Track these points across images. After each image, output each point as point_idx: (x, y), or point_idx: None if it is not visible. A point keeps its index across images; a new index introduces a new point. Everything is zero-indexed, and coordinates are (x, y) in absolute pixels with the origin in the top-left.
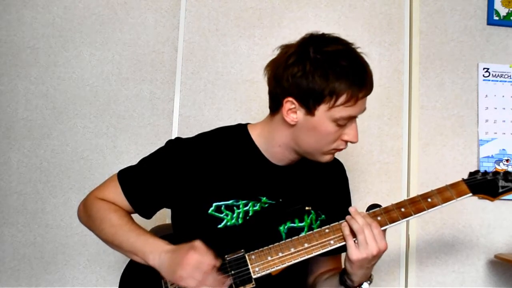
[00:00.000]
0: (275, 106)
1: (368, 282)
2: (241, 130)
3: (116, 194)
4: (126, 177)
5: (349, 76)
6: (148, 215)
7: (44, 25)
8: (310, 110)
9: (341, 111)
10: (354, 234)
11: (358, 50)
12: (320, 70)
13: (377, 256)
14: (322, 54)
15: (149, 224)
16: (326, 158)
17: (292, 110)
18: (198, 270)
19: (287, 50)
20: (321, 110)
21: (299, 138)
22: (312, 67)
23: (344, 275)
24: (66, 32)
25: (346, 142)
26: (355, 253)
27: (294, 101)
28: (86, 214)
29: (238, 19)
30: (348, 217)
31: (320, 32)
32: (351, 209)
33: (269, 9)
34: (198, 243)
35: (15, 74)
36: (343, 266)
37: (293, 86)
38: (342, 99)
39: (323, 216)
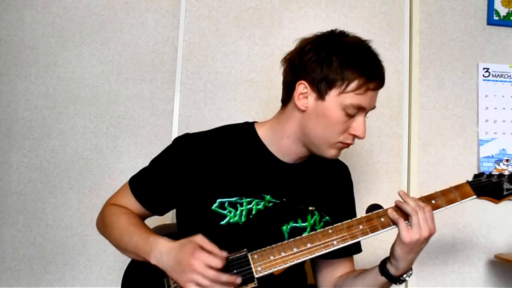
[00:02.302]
0: (288, 94)
1: (409, 273)
2: (247, 127)
3: (128, 197)
4: (136, 178)
5: (362, 66)
6: (159, 211)
7: (44, 25)
8: (321, 94)
9: (351, 98)
10: (404, 218)
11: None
12: (335, 57)
13: (427, 239)
14: (338, 44)
15: (151, 223)
16: (332, 152)
17: (304, 95)
18: (209, 270)
19: (304, 41)
20: (332, 95)
21: (308, 126)
22: (327, 54)
23: (386, 264)
24: (66, 32)
25: (353, 137)
26: (408, 235)
27: (306, 84)
28: (101, 222)
29: (238, 19)
30: (397, 201)
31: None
32: (400, 192)
33: (269, 9)
34: (201, 238)
35: (15, 74)
36: (382, 257)
37: (307, 69)
38: (353, 85)
39: (327, 217)
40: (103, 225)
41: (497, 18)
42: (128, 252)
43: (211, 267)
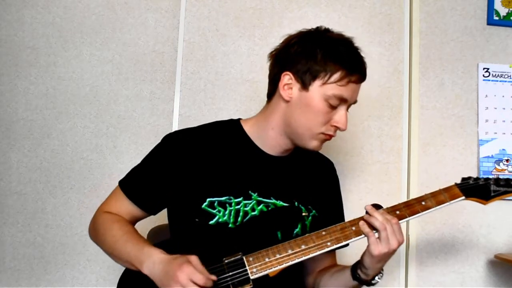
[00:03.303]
0: (273, 87)
1: (380, 275)
2: (233, 123)
3: (119, 201)
4: (126, 178)
5: (344, 59)
6: (152, 210)
7: (44, 25)
8: (305, 85)
9: (333, 89)
10: (373, 230)
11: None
12: (319, 50)
13: (396, 250)
14: (322, 38)
15: (148, 224)
16: (314, 143)
17: (289, 86)
18: (191, 284)
19: (290, 36)
20: (315, 85)
21: (292, 116)
22: (311, 47)
23: (357, 269)
24: (66, 32)
25: (335, 129)
26: (378, 248)
27: (291, 75)
28: (94, 230)
29: (238, 19)
30: (365, 216)
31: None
32: (367, 207)
33: (269, 9)
34: (194, 258)
35: (15, 74)
36: (353, 262)
37: (292, 61)
38: (335, 76)
39: (313, 211)
40: (96, 234)
41: (497, 18)
42: (121, 260)
43: (194, 282)
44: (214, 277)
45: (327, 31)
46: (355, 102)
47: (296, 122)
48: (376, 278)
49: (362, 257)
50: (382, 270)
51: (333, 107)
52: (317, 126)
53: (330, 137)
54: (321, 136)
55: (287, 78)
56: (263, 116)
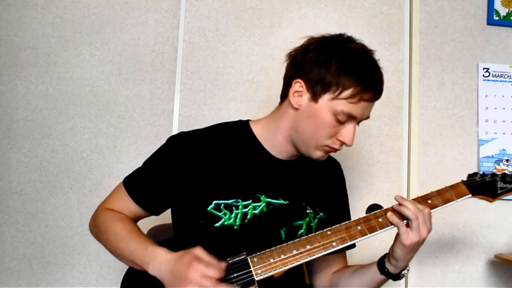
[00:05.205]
0: (285, 89)
1: (407, 269)
2: (242, 125)
3: (122, 200)
4: (130, 178)
5: (359, 75)
6: (155, 211)
7: (44, 25)
8: (315, 96)
9: (342, 105)
10: (402, 219)
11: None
12: (334, 61)
13: (425, 238)
14: (341, 48)
15: (149, 223)
16: (318, 154)
17: (299, 93)
18: (205, 282)
19: (311, 39)
20: (325, 98)
21: (300, 124)
22: (328, 58)
23: (385, 263)
24: (66, 32)
25: (341, 143)
26: (409, 238)
27: (302, 83)
28: (95, 227)
29: (238, 19)
30: (395, 205)
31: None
32: (397, 197)
33: (269, 9)
34: (199, 251)
35: (15, 74)
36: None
37: (306, 69)
38: (346, 93)
39: (321, 213)
40: (98, 231)
41: (497, 18)
42: (125, 259)
43: (208, 277)
44: (223, 265)
45: (348, 40)
46: (367, 117)
47: (303, 130)
48: (403, 271)
49: (392, 249)
50: (408, 264)
51: (341, 122)
52: (322, 138)
53: (335, 150)
54: (326, 148)
55: (298, 85)
56: (273, 119)
